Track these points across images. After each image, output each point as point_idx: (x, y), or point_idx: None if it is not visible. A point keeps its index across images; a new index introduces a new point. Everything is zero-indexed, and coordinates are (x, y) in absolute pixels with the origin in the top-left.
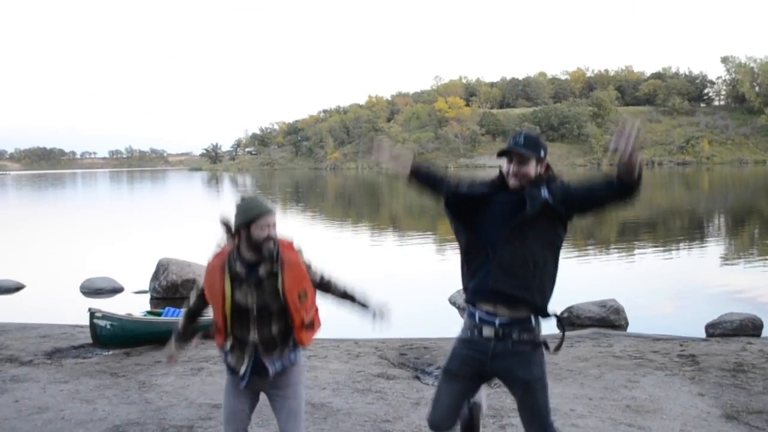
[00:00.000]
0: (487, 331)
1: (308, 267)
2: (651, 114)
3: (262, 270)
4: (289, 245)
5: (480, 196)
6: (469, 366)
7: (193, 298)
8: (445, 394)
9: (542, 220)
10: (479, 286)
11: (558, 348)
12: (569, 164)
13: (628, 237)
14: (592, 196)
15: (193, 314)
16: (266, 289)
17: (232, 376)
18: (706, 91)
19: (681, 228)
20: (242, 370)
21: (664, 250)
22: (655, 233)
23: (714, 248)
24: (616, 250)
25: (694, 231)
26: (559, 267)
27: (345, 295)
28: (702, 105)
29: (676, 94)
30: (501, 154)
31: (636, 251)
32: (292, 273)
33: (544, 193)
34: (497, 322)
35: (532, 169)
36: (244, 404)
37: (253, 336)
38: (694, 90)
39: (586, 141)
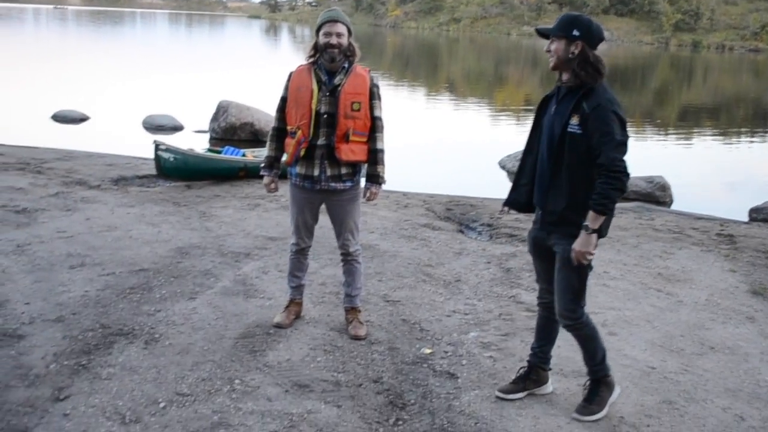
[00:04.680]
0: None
1: (373, 93)
2: None
3: (337, 79)
4: (365, 68)
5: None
6: (534, 245)
7: (277, 109)
8: (536, 272)
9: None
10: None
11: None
12: (636, 41)
13: (688, 120)
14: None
15: (280, 130)
16: (338, 98)
17: (300, 186)
18: None
19: (743, 116)
20: (315, 172)
21: (722, 136)
22: (715, 119)
23: None
24: (673, 131)
25: (755, 121)
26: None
27: (369, 153)
28: None
29: None
30: (540, 35)
31: (693, 134)
32: (354, 81)
33: (574, 121)
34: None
35: (562, 47)
36: (309, 213)
37: (322, 141)
38: None
39: (657, 18)
